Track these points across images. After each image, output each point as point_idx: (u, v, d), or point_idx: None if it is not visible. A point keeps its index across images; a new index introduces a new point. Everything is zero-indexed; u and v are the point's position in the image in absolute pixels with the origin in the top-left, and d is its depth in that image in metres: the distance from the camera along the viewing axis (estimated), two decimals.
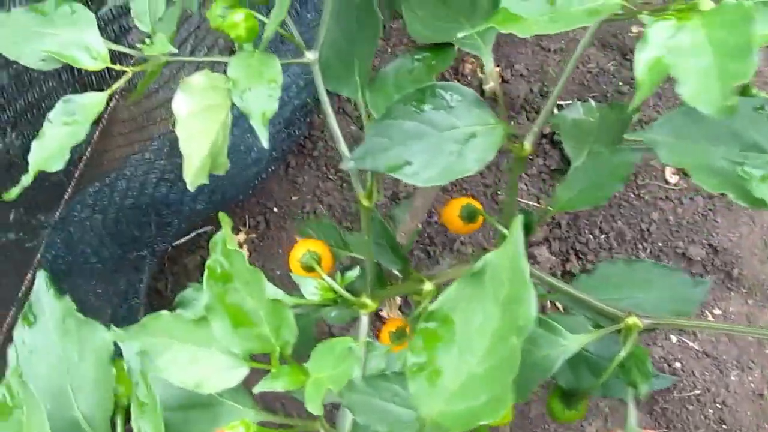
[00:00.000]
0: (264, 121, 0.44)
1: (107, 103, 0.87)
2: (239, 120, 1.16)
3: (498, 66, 1.40)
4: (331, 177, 1.37)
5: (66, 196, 1.12)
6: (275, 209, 1.35)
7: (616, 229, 1.28)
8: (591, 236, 1.28)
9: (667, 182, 1.30)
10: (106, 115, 0.99)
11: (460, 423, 0.35)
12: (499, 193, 1.29)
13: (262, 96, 0.44)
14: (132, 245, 1.11)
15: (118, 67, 0.46)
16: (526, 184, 1.30)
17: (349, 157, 0.45)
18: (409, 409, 0.41)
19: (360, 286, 0.57)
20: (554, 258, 1.26)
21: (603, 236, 1.27)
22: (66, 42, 0.45)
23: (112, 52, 0.47)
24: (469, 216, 0.62)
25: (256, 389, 0.42)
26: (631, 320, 0.48)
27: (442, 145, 0.44)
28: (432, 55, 0.51)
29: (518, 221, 0.35)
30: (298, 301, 0.53)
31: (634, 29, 1.42)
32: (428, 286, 0.55)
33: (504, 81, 1.39)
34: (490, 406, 0.34)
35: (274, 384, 0.42)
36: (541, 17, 0.38)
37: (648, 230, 1.27)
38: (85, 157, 1.04)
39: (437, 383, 0.36)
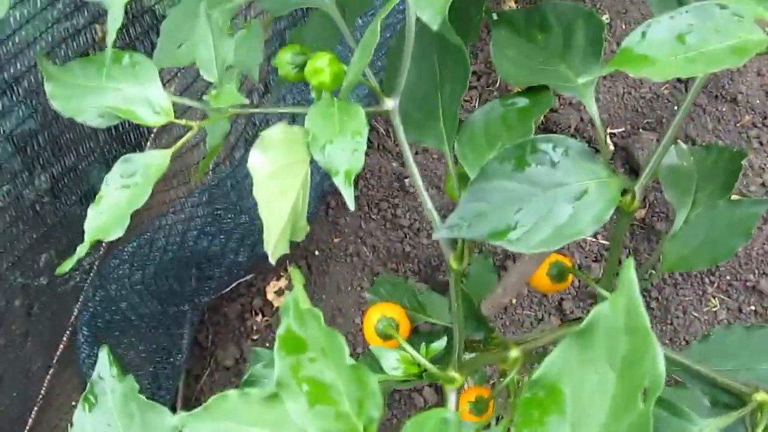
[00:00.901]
0: (348, 180, 0.38)
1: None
2: None
3: None
4: (373, 217, 1.32)
5: (102, 250, 1.08)
6: (317, 252, 1.30)
7: None
8: (653, 270, 1.21)
9: None
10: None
11: None
12: (566, 255, 1.23)
13: (345, 150, 0.38)
14: (172, 300, 1.07)
15: (183, 122, 0.41)
16: (580, 244, 1.24)
17: (442, 226, 0.39)
18: None
19: (439, 354, 0.52)
20: None
21: (667, 272, 1.20)
22: (127, 96, 0.40)
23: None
24: (559, 275, 0.56)
25: None
26: (761, 397, 0.42)
27: (550, 205, 0.39)
28: (527, 99, 0.46)
29: (630, 264, 0.30)
30: (379, 378, 0.48)
31: None
32: (515, 352, 0.49)
33: (551, 110, 1.33)
34: None
35: None
36: (675, 58, 0.33)
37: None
38: None
39: None
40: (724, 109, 1.33)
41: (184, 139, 0.41)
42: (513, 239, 0.38)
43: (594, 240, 1.25)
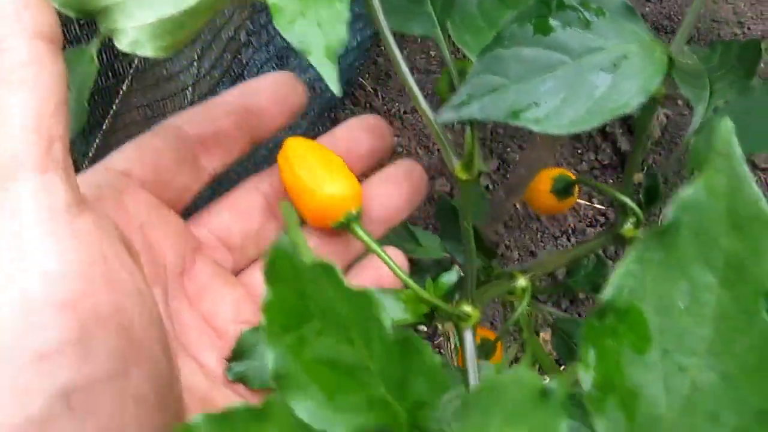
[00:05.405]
0: (330, 56, 0.29)
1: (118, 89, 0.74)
2: None
3: None
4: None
5: None
6: None
7: None
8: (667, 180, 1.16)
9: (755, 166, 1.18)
10: (116, 104, 0.87)
11: None
12: (558, 216, 1.17)
13: (323, 24, 0.30)
14: None
15: None
16: (573, 208, 1.19)
17: (447, 107, 0.31)
18: None
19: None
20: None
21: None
22: None
23: None
24: (565, 189, 0.50)
25: None
26: None
27: (583, 75, 0.31)
28: None
29: (726, 126, 0.22)
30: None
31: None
32: (522, 281, 0.43)
33: None
34: None
35: None
36: None
37: None
38: (92, 151, 0.93)
39: (638, 411, 0.24)
40: None
41: None
42: (539, 118, 0.30)
43: (588, 204, 1.19)
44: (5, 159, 0.24)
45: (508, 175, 1.14)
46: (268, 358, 0.22)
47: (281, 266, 0.21)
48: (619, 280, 0.25)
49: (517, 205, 1.17)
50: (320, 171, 0.39)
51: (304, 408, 0.23)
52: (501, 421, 0.23)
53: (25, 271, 0.23)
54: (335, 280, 0.21)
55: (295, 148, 0.39)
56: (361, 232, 0.38)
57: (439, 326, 1.12)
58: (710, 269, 0.23)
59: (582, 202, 1.20)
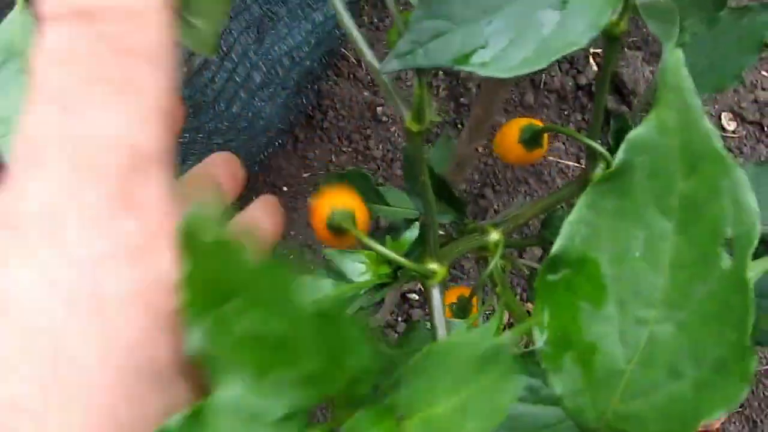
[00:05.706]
0: None
1: None
2: (247, 81, 1.04)
3: None
4: (344, 150, 1.23)
5: None
6: (285, 188, 1.21)
7: None
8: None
9: (724, 129, 1.16)
10: None
11: (659, 427, 0.21)
12: (547, 180, 1.15)
13: None
14: None
15: None
16: (563, 143, 1.17)
17: (390, 57, 0.29)
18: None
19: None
20: None
21: None
22: None
23: None
24: (533, 138, 0.47)
25: None
26: None
27: (530, 14, 0.29)
28: None
29: (677, 56, 0.21)
30: (343, 289, 0.38)
31: None
32: (495, 235, 0.42)
33: None
34: (710, 390, 0.20)
35: None
36: None
37: None
38: None
39: (595, 366, 0.23)
40: None
41: None
42: (485, 61, 0.29)
43: (577, 165, 1.18)
44: (139, 148, 0.21)
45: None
46: (190, 339, 0.20)
47: (195, 241, 0.20)
48: (571, 228, 0.24)
49: (500, 165, 1.15)
50: (332, 196, 0.41)
51: (231, 393, 0.21)
52: (448, 386, 0.22)
53: (161, 255, 0.21)
54: (239, 258, 0.19)
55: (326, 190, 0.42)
56: (348, 226, 0.38)
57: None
58: (665, 214, 0.22)
59: (571, 163, 1.18)
